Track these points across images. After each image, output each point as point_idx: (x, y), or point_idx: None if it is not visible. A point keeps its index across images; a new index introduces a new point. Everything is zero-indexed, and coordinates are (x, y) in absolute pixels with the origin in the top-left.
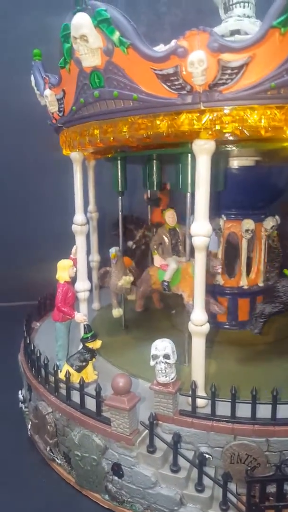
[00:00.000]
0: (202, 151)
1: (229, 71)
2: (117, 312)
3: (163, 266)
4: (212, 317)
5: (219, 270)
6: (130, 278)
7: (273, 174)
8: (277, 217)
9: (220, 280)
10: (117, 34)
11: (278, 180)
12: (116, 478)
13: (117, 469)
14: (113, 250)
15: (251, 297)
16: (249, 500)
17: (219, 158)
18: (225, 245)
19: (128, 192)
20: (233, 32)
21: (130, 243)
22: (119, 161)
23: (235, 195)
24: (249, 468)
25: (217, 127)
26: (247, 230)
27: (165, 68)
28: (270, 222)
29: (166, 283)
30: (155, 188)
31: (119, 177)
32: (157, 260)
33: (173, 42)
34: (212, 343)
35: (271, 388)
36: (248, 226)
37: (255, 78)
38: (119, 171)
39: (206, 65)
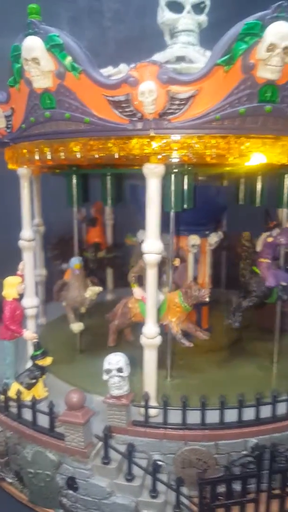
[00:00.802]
0: (152, 175)
1: (177, 102)
2: (77, 326)
3: (145, 298)
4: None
5: (207, 299)
6: (99, 288)
7: (216, 193)
8: (220, 232)
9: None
10: (69, 59)
11: (220, 198)
12: (71, 492)
13: (71, 483)
14: (76, 261)
15: (197, 308)
16: (201, 501)
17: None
18: None
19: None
20: (179, 58)
21: (65, 266)
22: (74, 176)
23: (182, 212)
24: (200, 471)
25: (166, 152)
26: (193, 245)
27: (116, 95)
28: (214, 238)
29: None
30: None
31: (75, 192)
32: (138, 292)
33: (123, 67)
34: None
35: (219, 394)
36: (194, 241)
37: (201, 110)
38: (75, 186)
39: (156, 95)
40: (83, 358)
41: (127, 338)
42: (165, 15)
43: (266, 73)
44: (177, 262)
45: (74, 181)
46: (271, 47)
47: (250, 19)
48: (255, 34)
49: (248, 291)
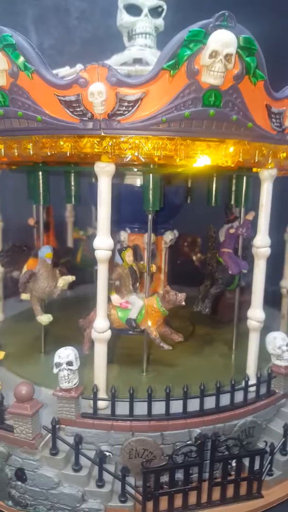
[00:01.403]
0: (103, 173)
1: (126, 104)
2: (46, 318)
3: (124, 304)
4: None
5: (183, 303)
6: (72, 277)
7: (171, 192)
8: (175, 231)
9: None
10: (21, 59)
11: (176, 198)
12: (19, 483)
13: (20, 474)
14: (48, 249)
15: None
16: (144, 489)
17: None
18: None
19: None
20: (136, 60)
21: (16, 273)
22: (40, 173)
23: (138, 210)
24: (144, 461)
25: (116, 152)
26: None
27: (67, 95)
28: (169, 236)
29: (133, 321)
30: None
31: (41, 189)
32: (116, 299)
33: (79, 67)
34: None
35: (165, 386)
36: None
37: (149, 112)
38: (41, 183)
39: (105, 97)
40: (37, 353)
41: None
42: (123, 17)
43: (210, 78)
44: (154, 268)
45: (40, 178)
46: (213, 54)
47: (194, 27)
48: (199, 41)
49: (215, 279)
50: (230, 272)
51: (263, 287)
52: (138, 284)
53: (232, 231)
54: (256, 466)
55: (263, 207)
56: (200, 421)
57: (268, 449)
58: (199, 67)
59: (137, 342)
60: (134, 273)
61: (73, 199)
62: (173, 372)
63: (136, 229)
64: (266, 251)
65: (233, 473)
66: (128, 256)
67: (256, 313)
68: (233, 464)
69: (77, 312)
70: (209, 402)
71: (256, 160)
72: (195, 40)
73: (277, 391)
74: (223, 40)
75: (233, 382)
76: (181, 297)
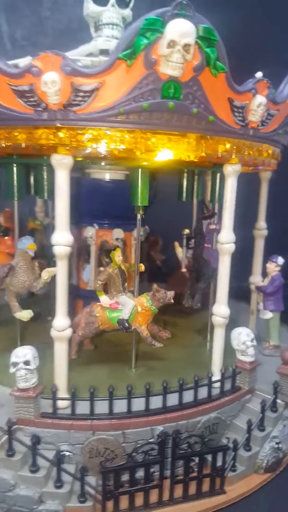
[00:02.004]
0: (61, 165)
1: (81, 94)
2: (27, 313)
3: (114, 305)
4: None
5: (172, 300)
6: (55, 269)
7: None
8: (146, 227)
9: (93, 285)
10: None
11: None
12: None
13: None
14: (30, 240)
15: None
16: (104, 489)
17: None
18: (98, 252)
19: None
20: (103, 51)
21: None
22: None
23: (106, 206)
24: (103, 460)
25: (73, 144)
26: (117, 239)
27: (20, 84)
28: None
29: (126, 321)
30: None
31: (15, 183)
32: (105, 300)
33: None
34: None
35: (126, 384)
36: (118, 235)
37: (105, 103)
38: (15, 176)
39: (60, 86)
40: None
41: (86, 348)
42: (89, 7)
43: (168, 69)
44: (142, 267)
45: (15, 171)
46: (171, 44)
47: (151, 15)
48: (156, 30)
49: (201, 274)
50: (212, 265)
51: (228, 283)
52: (126, 284)
53: (212, 227)
54: (220, 463)
55: (227, 202)
56: (163, 419)
57: (231, 445)
58: (157, 57)
59: (120, 338)
60: (123, 273)
61: (45, 194)
62: (162, 366)
63: (105, 225)
64: (231, 247)
65: (195, 470)
66: (118, 256)
67: (221, 309)
68: (196, 461)
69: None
70: (176, 399)
71: (219, 155)
72: (152, 29)
73: (242, 386)
74: (181, 30)
75: (196, 379)
76: (170, 295)
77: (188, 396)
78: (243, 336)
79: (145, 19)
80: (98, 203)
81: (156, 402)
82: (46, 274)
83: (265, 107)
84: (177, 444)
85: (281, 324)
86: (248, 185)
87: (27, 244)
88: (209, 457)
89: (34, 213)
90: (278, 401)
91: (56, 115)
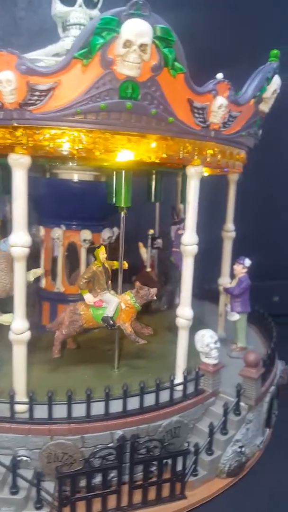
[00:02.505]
0: (18, 165)
1: (37, 93)
2: (9, 317)
3: (98, 303)
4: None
5: (155, 298)
6: (42, 270)
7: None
8: (115, 228)
9: (60, 287)
10: None
11: None
12: None
13: None
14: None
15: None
16: (60, 495)
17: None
18: (65, 253)
19: None
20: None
21: None
22: None
23: (74, 207)
24: (61, 465)
25: (31, 144)
26: (84, 240)
27: None
28: (107, 233)
29: (110, 318)
30: None
31: None
32: (90, 298)
33: None
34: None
35: (85, 388)
36: (86, 236)
37: (62, 102)
38: None
39: (15, 85)
40: None
41: (69, 346)
42: (57, 7)
43: (125, 69)
44: (126, 265)
45: None
46: (127, 44)
47: (107, 14)
48: (112, 30)
49: (169, 277)
50: (180, 269)
51: (191, 284)
52: (110, 281)
53: (181, 231)
54: (180, 467)
55: (190, 204)
56: (122, 423)
57: (192, 449)
58: (113, 57)
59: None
60: (107, 271)
61: None
62: (144, 365)
63: (73, 226)
64: (194, 248)
65: (155, 475)
66: (102, 253)
67: (184, 311)
68: (155, 465)
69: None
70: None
71: (181, 157)
72: (107, 29)
73: (205, 389)
74: (136, 30)
75: (158, 382)
76: (153, 291)
77: (151, 399)
78: (206, 338)
79: (100, 19)
80: (66, 204)
81: (119, 405)
82: (31, 274)
83: (226, 108)
84: (135, 449)
85: (248, 326)
86: (218, 187)
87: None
88: (169, 462)
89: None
90: (242, 404)
91: (12, 115)
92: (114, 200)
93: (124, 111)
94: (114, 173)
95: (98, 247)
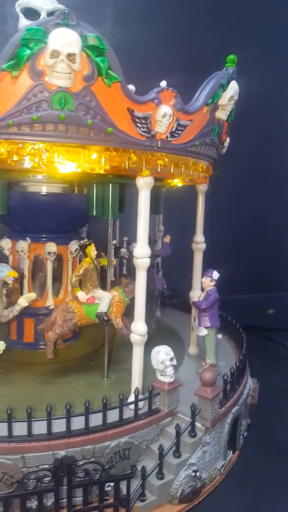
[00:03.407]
0: None
1: None
2: (1, 345)
3: (91, 300)
4: (20, 339)
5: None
6: (33, 294)
7: (78, 201)
8: (85, 241)
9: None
10: None
11: (82, 206)
12: None
13: None
14: (9, 267)
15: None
16: None
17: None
18: (31, 266)
19: None
20: None
21: None
22: None
23: (40, 219)
24: (1, 485)
25: None
26: (49, 253)
27: None
28: (74, 245)
29: (104, 314)
30: None
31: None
32: (82, 295)
33: None
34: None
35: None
36: (50, 248)
37: None
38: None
39: None
40: None
41: (60, 347)
42: (21, 22)
43: (55, 80)
44: (113, 262)
45: None
46: (55, 54)
47: (33, 25)
48: (40, 40)
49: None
50: (158, 288)
51: (145, 299)
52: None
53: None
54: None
55: (141, 215)
56: (65, 443)
57: (138, 472)
58: (43, 68)
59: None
60: (97, 267)
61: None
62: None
63: (39, 238)
64: (146, 261)
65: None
66: (93, 251)
67: (138, 327)
68: (96, 489)
69: None
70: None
71: (127, 168)
72: (34, 39)
73: (161, 409)
74: (63, 39)
75: (104, 401)
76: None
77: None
78: (161, 355)
79: (26, 29)
80: (31, 217)
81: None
82: (24, 300)
83: (171, 117)
84: (72, 472)
85: (225, 340)
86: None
87: (6, 272)
88: (110, 486)
89: None
90: (198, 425)
91: None
92: (95, 212)
93: (58, 122)
94: (95, 185)
95: (89, 244)
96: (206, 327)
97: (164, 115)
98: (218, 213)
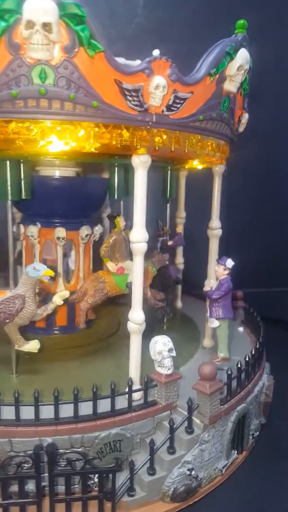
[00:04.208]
0: None
1: None
2: (36, 343)
3: (120, 270)
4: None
5: (167, 262)
6: (67, 292)
7: (89, 185)
8: (99, 226)
9: None
10: None
11: (94, 191)
12: None
13: None
14: (45, 266)
15: (69, 303)
16: None
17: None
18: (42, 251)
19: None
20: None
21: None
22: None
23: (48, 204)
24: None
25: None
26: (58, 238)
27: None
28: (85, 231)
29: None
30: None
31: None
32: (112, 266)
33: None
34: None
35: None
36: (60, 234)
37: None
38: None
39: None
40: None
41: (90, 317)
42: None
43: (33, 52)
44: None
45: None
46: (30, 24)
47: None
48: (14, 11)
49: (166, 287)
50: (172, 277)
51: (142, 286)
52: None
53: (170, 243)
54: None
55: (137, 197)
56: (53, 430)
57: (129, 466)
58: (20, 41)
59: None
60: (125, 239)
61: None
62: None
63: (50, 223)
64: (143, 246)
65: (90, 489)
66: (122, 221)
67: (135, 315)
68: (83, 479)
69: None
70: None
71: (119, 145)
72: (9, 10)
73: (159, 401)
74: (37, 8)
75: (95, 390)
76: (166, 256)
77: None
78: (159, 345)
79: (0, 0)
80: (40, 201)
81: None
82: (58, 298)
83: (165, 89)
84: (54, 460)
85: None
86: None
87: (43, 271)
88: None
89: None
90: (197, 421)
91: None
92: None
93: (39, 98)
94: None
95: (118, 215)
96: (218, 319)
97: (157, 87)
98: (238, 196)
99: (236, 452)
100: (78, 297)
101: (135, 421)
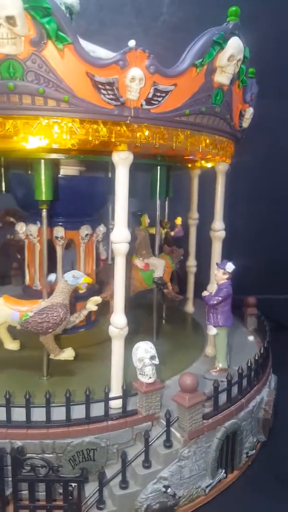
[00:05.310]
0: None
1: None
2: (71, 351)
3: (146, 266)
4: None
5: (182, 256)
6: (99, 298)
7: (90, 185)
8: (101, 226)
9: (38, 284)
10: None
11: (95, 191)
12: None
13: None
14: (83, 273)
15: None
16: None
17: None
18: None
19: None
20: None
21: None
22: None
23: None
24: None
25: None
26: (57, 237)
27: None
28: (85, 231)
29: (161, 278)
30: None
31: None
32: (139, 262)
33: None
34: None
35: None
36: (58, 233)
37: None
38: None
39: None
40: None
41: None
42: None
43: (0, 47)
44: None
45: None
46: None
47: None
48: None
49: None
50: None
51: (124, 288)
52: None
53: (172, 233)
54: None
55: (118, 195)
56: (23, 434)
57: (98, 478)
58: None
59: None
60: (150, 236)
61: None
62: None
63: (52, 223)
64: (124, 246)
65: (59, 498)
66: (147, 219)
67: (117, 319)
68: (47, 487)
69: None
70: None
71: (96, 142)
72: None
73: (139, 411)
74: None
75: (68, 395)
76: (181, 251)
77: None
78: (140, 351)
79: None
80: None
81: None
82: (91, 304)
83: (143, 81)
84: (17, 464)
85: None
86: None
87: (82, 279)
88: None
89: None
90: (177, 435)
91: None
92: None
93: (8, 93)
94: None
95: (142, 214)
96: (215, 326)
97: (132, 79)
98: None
99: (223, 471)
100: (108, 296)
101: (111, 430)
